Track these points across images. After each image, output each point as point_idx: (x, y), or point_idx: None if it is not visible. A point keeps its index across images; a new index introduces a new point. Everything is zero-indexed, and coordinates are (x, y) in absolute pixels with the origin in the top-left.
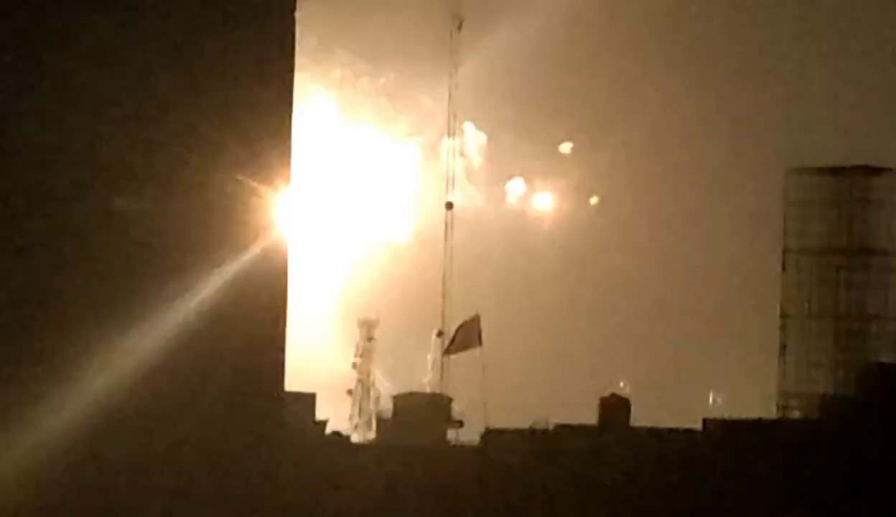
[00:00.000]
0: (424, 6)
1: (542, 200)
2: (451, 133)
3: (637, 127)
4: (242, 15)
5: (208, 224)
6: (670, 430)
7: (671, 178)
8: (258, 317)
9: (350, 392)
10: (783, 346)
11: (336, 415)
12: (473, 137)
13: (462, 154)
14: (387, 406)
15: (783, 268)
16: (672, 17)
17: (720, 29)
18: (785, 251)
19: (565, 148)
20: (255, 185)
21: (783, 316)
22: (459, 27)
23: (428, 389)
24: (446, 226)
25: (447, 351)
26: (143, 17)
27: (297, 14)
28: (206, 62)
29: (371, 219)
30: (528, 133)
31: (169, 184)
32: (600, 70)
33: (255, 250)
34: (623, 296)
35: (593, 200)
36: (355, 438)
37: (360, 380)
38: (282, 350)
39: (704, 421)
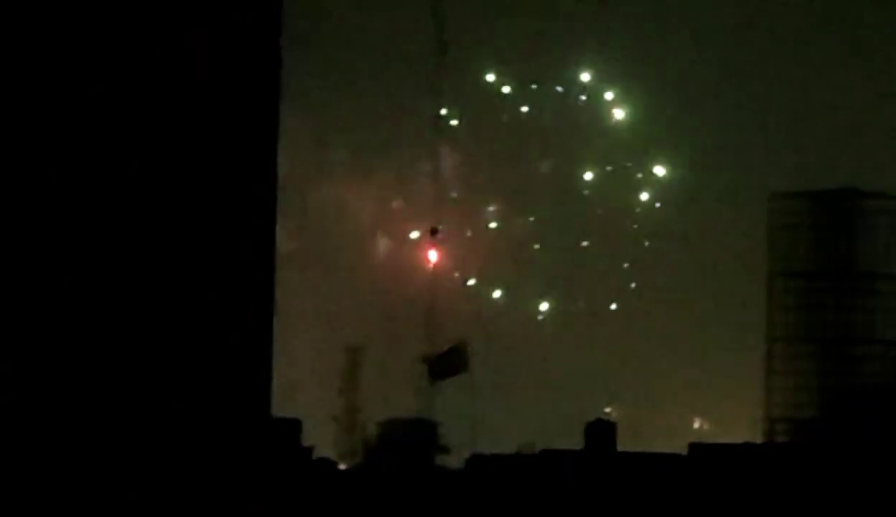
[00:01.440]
0: (409, 32)
1: (524, 224)
2: (434, 156)
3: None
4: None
5: (189, 246)
6: (656, 455)
7: (655, 200)
8: (243, 340)
9: (336, 418)
10: (769, 370)
11: (322, 441)
12: (454, 159)
13: (444, 176)
14: (373, 432)
15: (769, 292)
16: (653, 40)
17: (704, 49)
18: (770, 275)
19: (546, 168)
20: (239, 203)
21: (769, 340)
22: (444, 53)
23: (414, 415)
24: (431, 250)
25: (434, 377)
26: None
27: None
28: (188, 71)
29: (357, 243)
30: (510, 156)
31: (143, 205)
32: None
33: (239, 274)
34: (609, 321)
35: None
36: (342, 464)
37: (345, 406)
38: (268, 375)
39: (690, 445)
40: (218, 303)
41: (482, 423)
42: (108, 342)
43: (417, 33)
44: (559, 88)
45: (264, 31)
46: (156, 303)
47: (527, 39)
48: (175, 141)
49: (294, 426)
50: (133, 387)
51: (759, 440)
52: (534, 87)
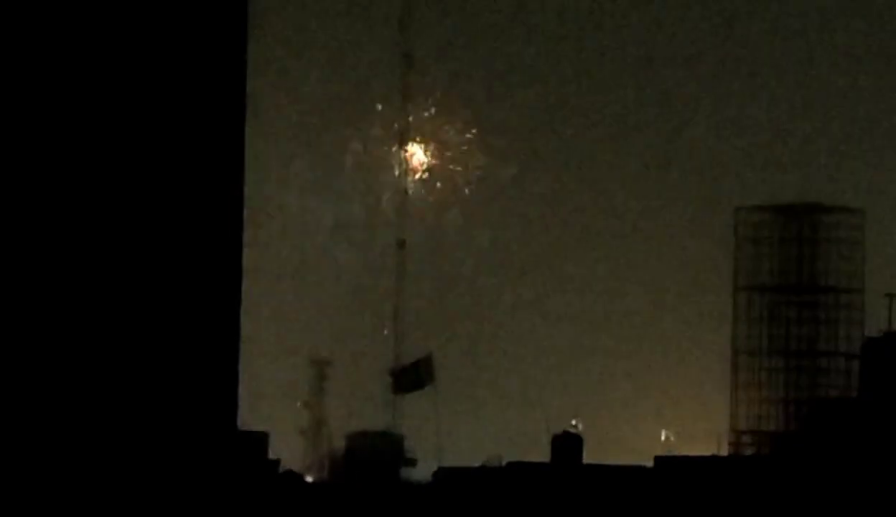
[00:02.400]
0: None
1: (486, 235)
2: (402, 167)
3: (585, 164)
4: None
5: (155, 259)
6: (622, 468)
7: (622, 215)
8: (209, 352)
9: (303, 431)
10: (735, 383)
11: (289, 454)
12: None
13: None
14: (339, 445)
15: (734, 306)
16: (622, 57)
17: (670, 66)
18: (736, 288)
19: (507, 175)
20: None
21: (735, 353)
22: (410, 65)
23: (381, 428)
24: (398, 263)
25: (400, 389)
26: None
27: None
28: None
29: (322, 255)
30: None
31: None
32: (552, 104)
33: (206, 284)
34: (575, 334)
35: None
36: (308, 478)
37: (312, 419)
38: (234, 387)
39: (656, 458)
40: (183, 316)
41: (449, 436)
42: (74, 355)
43: (383, 45)
44: None
45: (230, 45)
46: (121, 316)
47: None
48: (142, 154)
49: (260, 439)
50: (98, 401)
51: (724, 453)
52: None
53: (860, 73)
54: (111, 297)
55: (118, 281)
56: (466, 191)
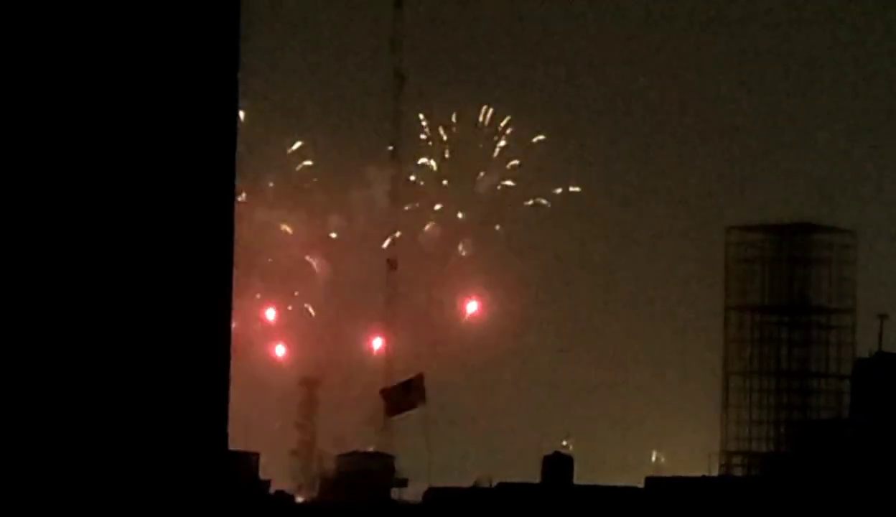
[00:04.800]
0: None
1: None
2: (393, 190)
3: (580, 183)
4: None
5: (143, 275)
6: (613, 488)
7: (613, 236)
8: (200, 372)
9: (294, 452)
10: (725, 404)
11: (280, 474)
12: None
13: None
14: (330, 465)
15: (725, 326)
16: (613, 80)
17: (661, 87)
18: (727, 309)
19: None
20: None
21: (725, 373)
22: (402, 85)
23: (371, 448)
24: (389, 283)
25: (392, 411)
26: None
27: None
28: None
29: (313, 277)
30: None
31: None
32: (542, 128)
33: (196, 302)
34: (566, 355)
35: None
36: (299, 498)
37: (303, 440)
38: (224, 408)
39: (647, 479)
40: (172, 334)
41: (439, 456)
42: (59, 370)
43: (376, 69)
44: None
45: (221, 64)
46: (108, 333)
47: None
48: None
49: (251, 459)
50: (85, 420)
51: (715, 473)
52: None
53: (852, 95)
54: (96, 314)
55: (104, 300)
56: (460, 215)
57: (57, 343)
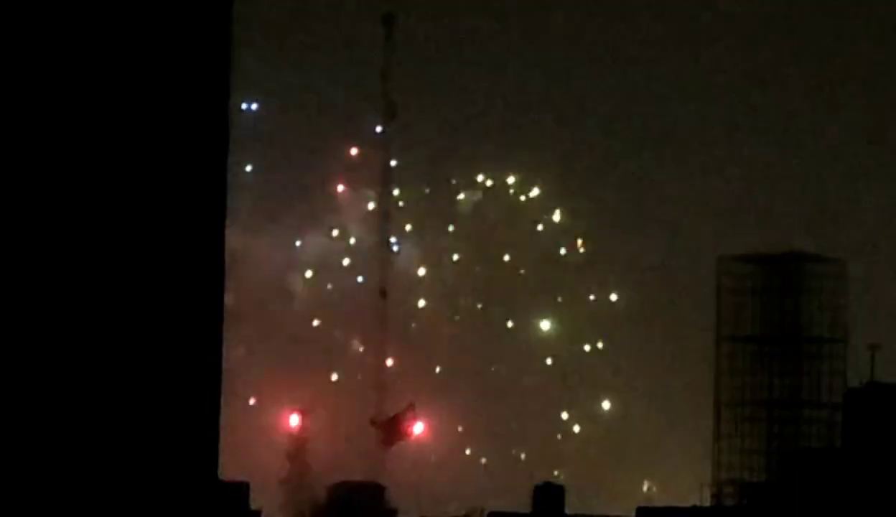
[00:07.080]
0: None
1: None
2: (383, 224)
3: (567, 211)
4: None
5: (134, 303)
6: None
7: (605, 266)
8: (190, 401)
9: (283, 481)
10: (717, 434)
11: (270, 504)
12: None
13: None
14: (321, 495)
15: (717, 356)
16: (604, 105)
17: (655, 117)
18: (718, 339)
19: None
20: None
21: (717, 403)
22: (392, 111)
23: (362, 478)
24: (380, 313)
25: (384, 442)
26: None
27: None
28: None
29: (304, 304)
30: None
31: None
32: (536, 152)
33: (186, 334)
34: (557, 384)
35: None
36: None
37: (293, 469)
38: (215, 437)
39: (638, 509)
40: (164, 365)
41: (430, 486)
42: (53, 400)
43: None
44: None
45: (213, 82)
46: (100, 362)
47: None
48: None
49: (242, 489)
50: (78, 450)
51: (707, 503)
52: None
53: (843, 123)
54: (90, 344)
55: (98, 324)
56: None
57: (48, 364)
